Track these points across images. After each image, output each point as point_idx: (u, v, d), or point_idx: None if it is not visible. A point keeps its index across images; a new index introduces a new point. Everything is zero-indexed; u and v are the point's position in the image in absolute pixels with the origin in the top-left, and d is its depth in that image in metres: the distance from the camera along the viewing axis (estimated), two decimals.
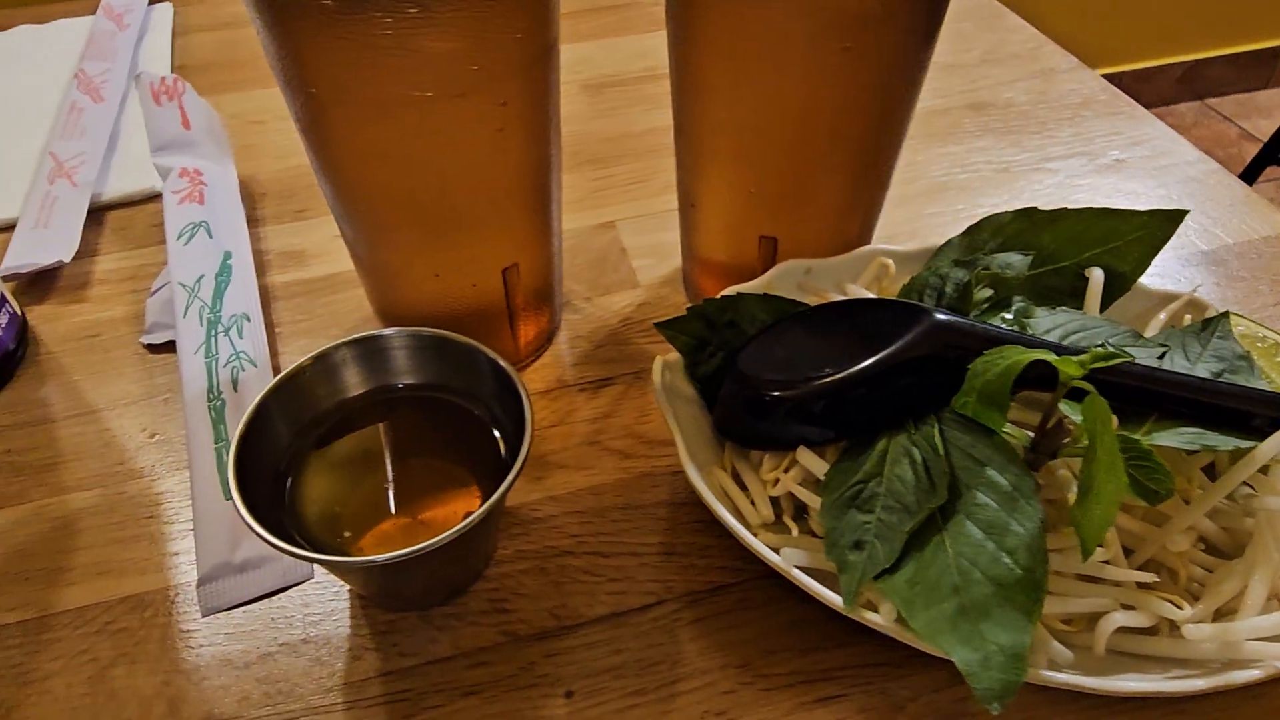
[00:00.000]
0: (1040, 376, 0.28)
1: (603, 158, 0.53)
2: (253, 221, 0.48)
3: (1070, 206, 0.35)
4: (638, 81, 0.60)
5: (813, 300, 0.35)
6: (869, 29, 0.30)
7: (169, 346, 0.41)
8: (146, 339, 0.42)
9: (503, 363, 0.30)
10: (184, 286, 0.42)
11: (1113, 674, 0.26)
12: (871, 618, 0.26)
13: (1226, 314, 0.33)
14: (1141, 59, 1.80)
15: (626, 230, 0.48)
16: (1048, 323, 0.32)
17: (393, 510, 0.31)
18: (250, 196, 0.50)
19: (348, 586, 0.33)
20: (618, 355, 0.41)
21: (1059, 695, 0.28)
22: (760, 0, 0.29)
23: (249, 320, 0.41)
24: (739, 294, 0.34)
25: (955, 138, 0.53)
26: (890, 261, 0.36)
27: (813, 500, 0.29)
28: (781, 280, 0.36)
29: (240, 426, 0.29)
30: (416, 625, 0.31)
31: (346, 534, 0.30)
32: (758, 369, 0.31)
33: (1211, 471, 0.30)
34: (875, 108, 0.33)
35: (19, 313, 0.42)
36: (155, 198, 0.50)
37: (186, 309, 0.41)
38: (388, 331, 0.31)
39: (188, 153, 0.48)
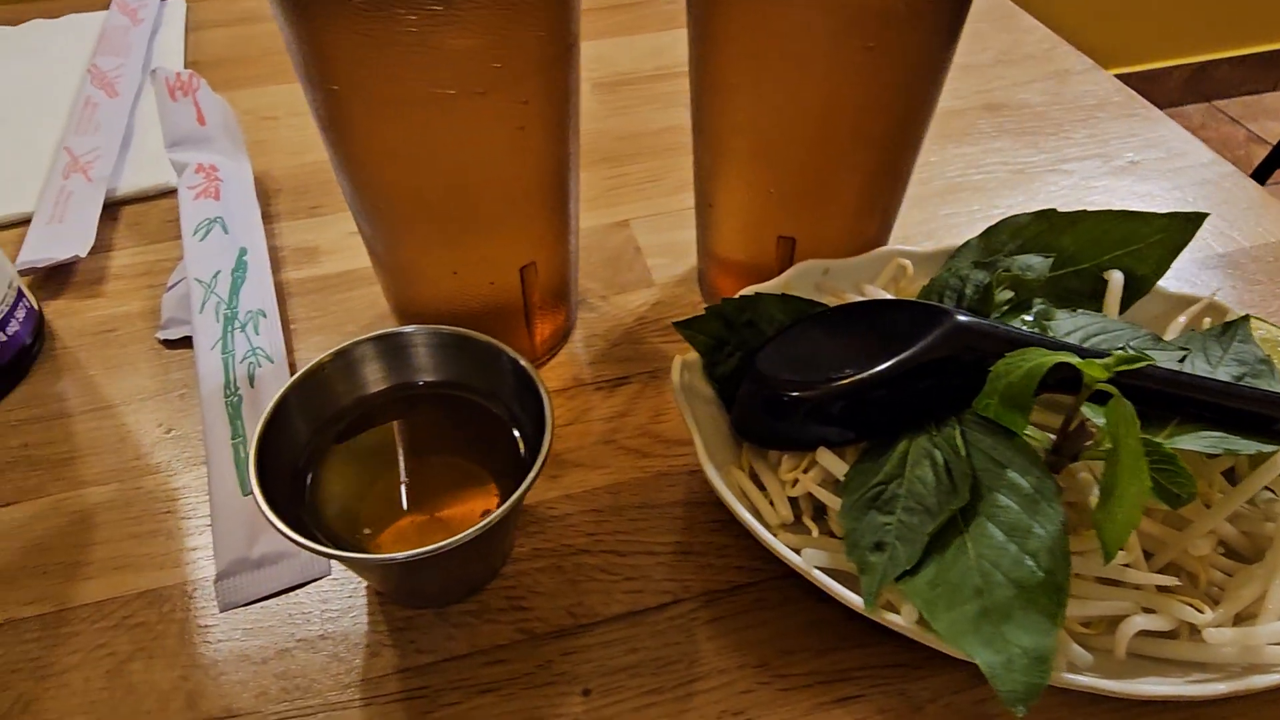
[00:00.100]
0: (1061, 379, 0.28)
1: (616, 156, 0.53)
2: (267, 218, 0.48)
3: (1087, 209, 0.35)
4: (651, 80, 0.60)
5: (830, 301, 0.35)
6: (893, 28, 0.29)
7: (185, 342, 0.41)
8: (162, 334, 0.42)
9: (523, 362, 0.30)
10: (200, 282, 0.42)
11: (1132, 677, 0.26)
12: (892, 619, 0.26)
13: (1246, 317, 0.33)
14: (1149, 60, 1.79)
15: (641, 229, 0.48)
16: (1068, 325, 0.32)
17: (411, 508, 0.31)
18: (264, 193, 0.50)
19: (365, 583, 0.33)
20: (633, 354, 0.41)
21: (1077, 698, 0.28)
22: None
23: (265, 316, 0.41)
24: (757, 294, 0.34)
25: (971, 138, 0.53)
26: (908, 263, 0.36)
27: (832, 501, 0.29)
28: (799, 280, 0.36)
29: (261, 421, 0.29)
30: (433, 622, 0.31)
31: (366, 531, 0.30)
32: (777, 369, 0.31)
33: (1231, 476, 0.30)
34: (897, 107, 0.33)
35: (35, 307, 0.42)
36: (170, 193, 0.50)
37: (203, 305, 0.41)
38: (408, 329, 0.31)
39: (203, 148, 0.48)
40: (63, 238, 0.46)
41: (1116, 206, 0.35)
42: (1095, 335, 0.31)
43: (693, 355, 0.34)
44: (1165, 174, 0.51)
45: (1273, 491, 0.29)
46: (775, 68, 0.31)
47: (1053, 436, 0.29)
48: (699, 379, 0.34)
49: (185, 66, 0.61)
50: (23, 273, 0.44)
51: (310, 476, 0.30)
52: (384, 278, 0.38)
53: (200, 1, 0.69)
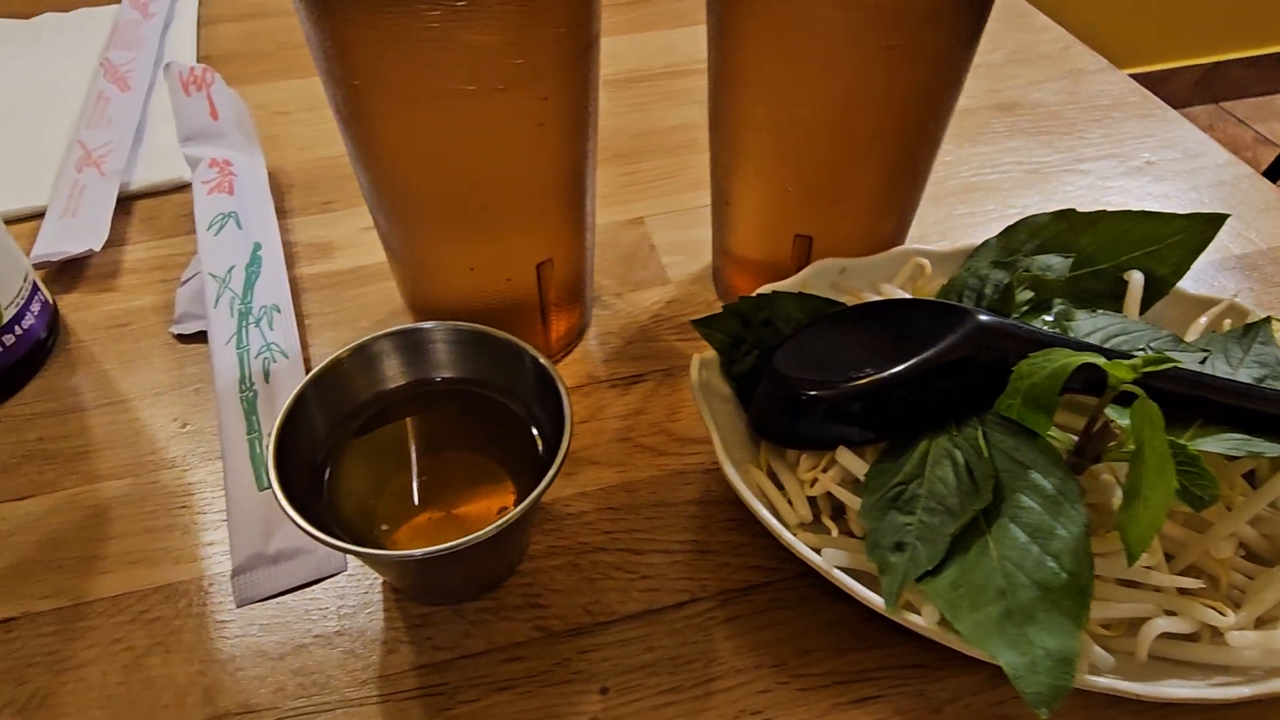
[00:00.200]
0: (1084, 380, 0.28)
1: (629, 153, 0.53)
2: (280, 213, 0.48)
3: (1105, 209, 0.35)
4: (663, 77, 0.60)
5: (847, 300, 0.35)
6: (915, 26, 0.29)
7: (199, 336, 0.41)
8: (176, 329, 0.42)
9: (543, 360, 0.30)
10: (214, 277, 0.42)
11: (1152, 679, 0.26)
12: (914, 620, 0.26)
13: (1268, 319, 0.32)
14: (1159, 61, 1.79)
15: (655, 226, 0.48)
16: (1088, 325, 0.32)
17: (428, 504, 0.31)
18: (277, 188, 0.50)
19: (381, 579, 0.33)
20: (648, 352, 0.41)
21: (1096, 700, 0.28)
22: None
23: (279, 312, 0.41)
24: (774, 292, 0.34)
25: (985, 138, 0.53)
26: (926, 262, 0.36)
27: (852, 501, 0.29)
28: (816, 279, 0.36)
29: (280, 416, 0.29)
30: (450, 619, 0.31)
31: (384, 527, 0.30)
32: (795, 368, 0.31)
33: (1252, 478, 0.30)
34: (917, 106, 0.32)
35: (50, 300, 0.42)
36: (183, 188, 0.50)
37: (217, 299, 0.41)
38: (427, 325, 0.31)
39: (216, 143, 0.48)
40: (76, 231, 0.46)
41: (1133, 207, 0.35)
42: (1116, 336, 0.31)
43: (710, 353, 0.34)
44: (1181, 175, 0.50)
45: None
46: (796, 65, 0.31)
47: (1073, 437, 0.29)
48: (716, 377, 0.34)
49: (197, 61, 0.61)
50: (37, 266, 0.44)
51: (328, 471, 0.30)
52: (400, 273, 0.38)
53: None
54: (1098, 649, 0.26)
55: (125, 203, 0.49)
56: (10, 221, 0.47)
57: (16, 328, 0.38)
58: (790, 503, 0.31)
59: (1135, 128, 0.54)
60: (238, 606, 0.32)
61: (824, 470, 0.31)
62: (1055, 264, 0.33)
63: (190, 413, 0.39)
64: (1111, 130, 0.54)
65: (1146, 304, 0.34)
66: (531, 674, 0.30)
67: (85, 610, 0.32)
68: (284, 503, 0.26)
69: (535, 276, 0.36)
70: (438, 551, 0.26)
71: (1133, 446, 0.26)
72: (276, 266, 0.43)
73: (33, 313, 0.39)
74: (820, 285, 0.36)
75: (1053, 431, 0.28)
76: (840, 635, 0.31)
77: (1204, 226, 0.34)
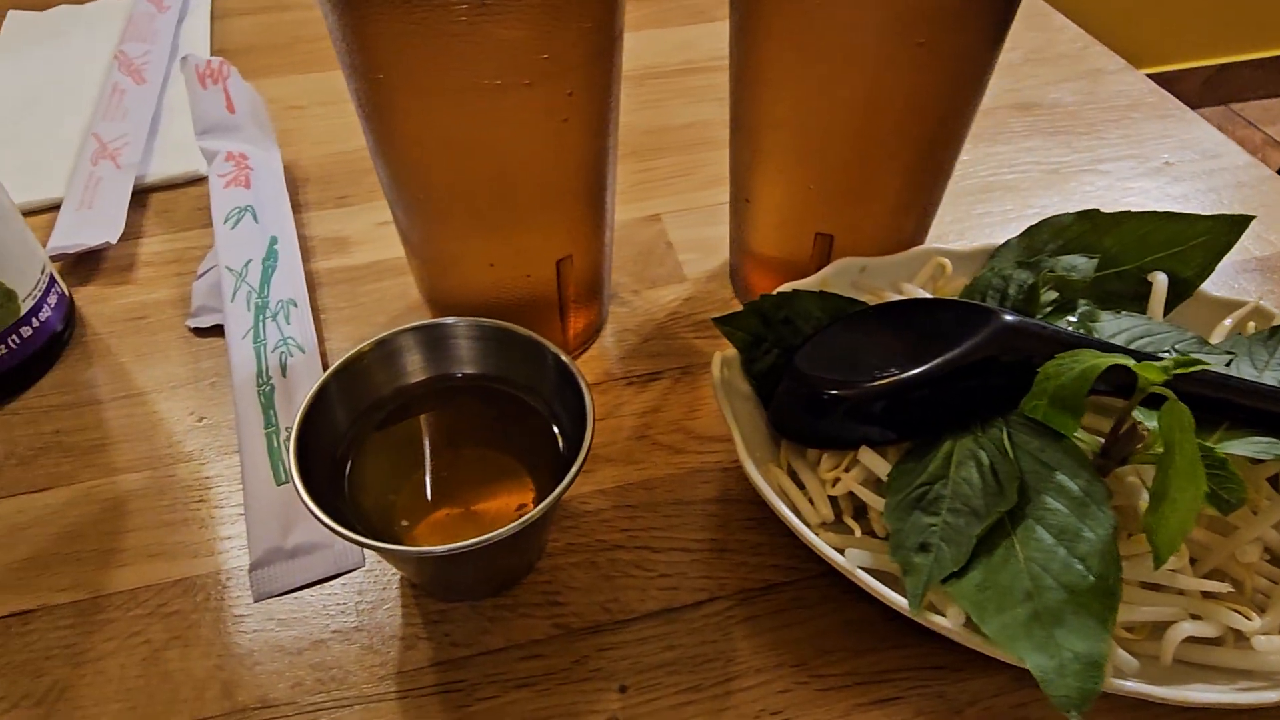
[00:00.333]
0: (1111, 382, 0.27)
1: (644, 150, 0.53)
2: (295, 207, 0.48)
3: (1127, 210, 0.35)
4: (678, 74, 0.60)
5: (867, 299, 0.34)
6: (943, 24, 0.29)
7: (215, 330, 0.41)
8: (193, 322, 0.42)
9: (565, 357, 0.30)
10: (231, 271, 0.41)
11: (1176, 683, 0.26)
12: (939, 621, 0.26)
13: None
14: (1167, 62, 1.78)
15: (672, 223, 0.47)
16: (1113, 327, 0.31)
17: (448, 500, 0.31)
18: (291, 182, 0.50)
19: (399, 575, 0.32)
20: (665, 350, 0.41)
21: (1119, 703, 0.28)
22: None
23: (296, 306, 0.41)
24: (794, 291, 0.34)
25: (1003, 138, 0.53)
26: (947, 261, 0.36)
27: (875, 501, 0.29)
28: (837, 278, 0.36)
29: (301, 409, 0.28)
30: (468, 615, 0.31)
31: (404, 523, 0.30)
32: (818, 367, 0.31)
33: (1277, 482, 0.30)
34: (942, 105, 0.32)
35: (66, 293, 0.42)
36: (198, 181, 0.50)
37: (234, 293, 0.41)
38: (449, 320, 0.31)
39: (232, 136, 0.48)
40: (92, 224, 0.46)
41: (1152, 208, 0.35)
42: (1141, 338, 0.31)
43: (732, 351, 0.33)
44: (1200, 176, 0.50)
45: None
46: (821, 63, 0.31)
47: (1099, 439, 0.28)
48: (737, 375, 0.33)
49: (212, 54, 0.61)
50: (53, 258, 0.44)
51: (349, 466, 0.30)
52: (418, 269, 0.38)
53: None
54: (1122, 652, 0.26)
55: (140, 196, 0.49)
56: (26, 214, 0.47)
57: (34, 320, 0.38)
58: (811, 502, 0.31)
59: (1154, 128, 0.54)
60: (255, 601, 0.32)
61: (846, 470, 0.30)
62: (1080, 264, 0.33)
63: (206, 407, 0.39)
64: (1130, 131, 0.53)
65: (1170, 305, 0.34)
66: (550, 671, 0.30)
67: (103, 603, 0.32)
68: (305, 497, 0.26)
69: (555, 273, 0.36)
70: (459, 549, 0.26)
71: (1160, 449, 0.25)
72: (293, 261, 0.43)
73: (50, 305, 0.39)
74: (841, 284, 0.36)
75: (1078, 433, 0.28)
76: (860, 636, 0.31)
77: (1229, 228, 0.34)
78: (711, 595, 0.32)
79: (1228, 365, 0.31)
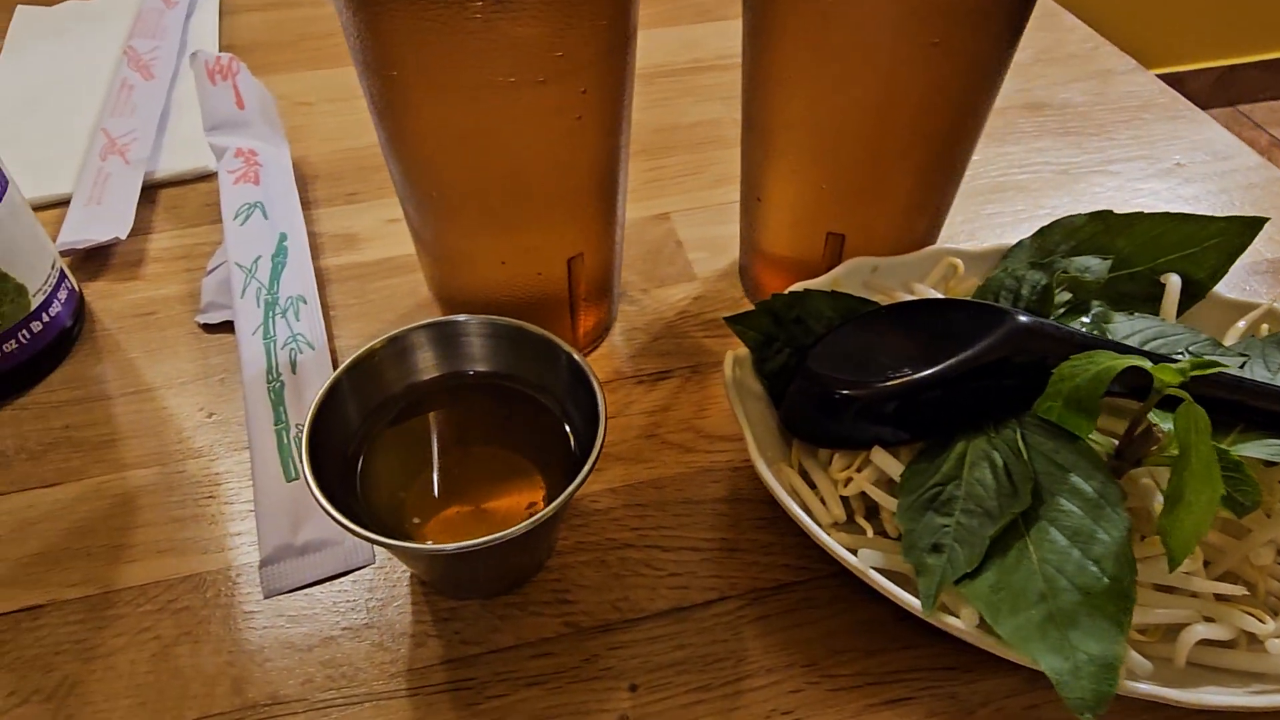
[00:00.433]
0: (1127, 383, 0.27)
1: (653, 148, 0.53)
2: (304, 204, 0.48)
3: (1140, 211, 0.35)
4: (686, 72, 0.60)
5: (879, 299, 0.34)
6: (959, 24, 0.29)
7: (224, 326, 0.41)
8: (202, 318, 0.42)
9: (578, 356, 0.29)
10: (241, 267, 0.41)
11: (1189, 686, 0.26)
12: (952, 622, 0.26)
13: None
14: (1175, 63, 1.78)
15: (681, 222, 0.47)
16: (1126, 328, 0.31)
17: (458, 498, 0.31)
18: (300, 178, 0.50)
19: (409, 572, 0.32)
20: (674, 349, 0.41)
21: (1132, 705, 0.28)
22: None
23: (305, 303, 0.41)
24: (806, 290, 0.34)
25: (1013, 138, 0.53)
26: (959, 262, 0.36)
27: (887, 501, 0.29)
28: (848, 278, 0.36)
29: (314, 405, 0.28)
30: (478, 613, 0.31)
31: (415, 520, 0.30)
32: (830, 367, 0.31)
33: None
34: (957, 105, 0.32)
35: (76, 288, 0.42)
36: (207, 177, 0.50)
37: (244, 289, 0.40)
38: (462, 318, 0.31)
39: (242, 133, 0.48)
40: (102, 219, 0.46)
41: (1163, 209, 0.35)
42: (1154, 339, 0.31)
43: (743, 350, 0.33)
44: (1211, 177, 0.50)
45: None
46: (835, 62, 0.31)
47: (1112, 440, 0.28)
48: (749, 375, 0.33)
49: (220, 50, 0.61)
50: (62, 253, 0.44)
51: (360, 462, 0.30)
52: (429, 266, 0.38)
53: None
54: (1136, 654, 0.26)
55: (149, 191, 0.49)
56: (35, 209, 0.47)
57: (44, 315, 0.38)
58: (823, 502, 0.31)
59: (1164, 129, 0.53)
60: (265, 597, 0.32)
61: (858, 470, 0.30)
62: (1094, 265, 0.33)
63: (216, 403, 0.39)
64: (1140, 132, 0.53)
65: (1183, 307, 0.34)
66: (560, 670, 0.30)
67: (113, 599, 0.32)
68: (317, 493, 0.26)
69: (566, 271, 0.35)
70: (470, 547, 0.26)
71: (1175, 451, 0.25)
72: (302, 257, 0.43)
73: (59, 300, 0.39)
74: (852, 284, 0.36)
75: (1091, 435, 0.28)
76: (871, 636, 0.31)
77: (1242, 229, 0.34)
78: (722, 594, 0.32)
79: (1241, 367, 0.31)
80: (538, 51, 0.28)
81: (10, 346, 0.37)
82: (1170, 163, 0.51)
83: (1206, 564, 0.28)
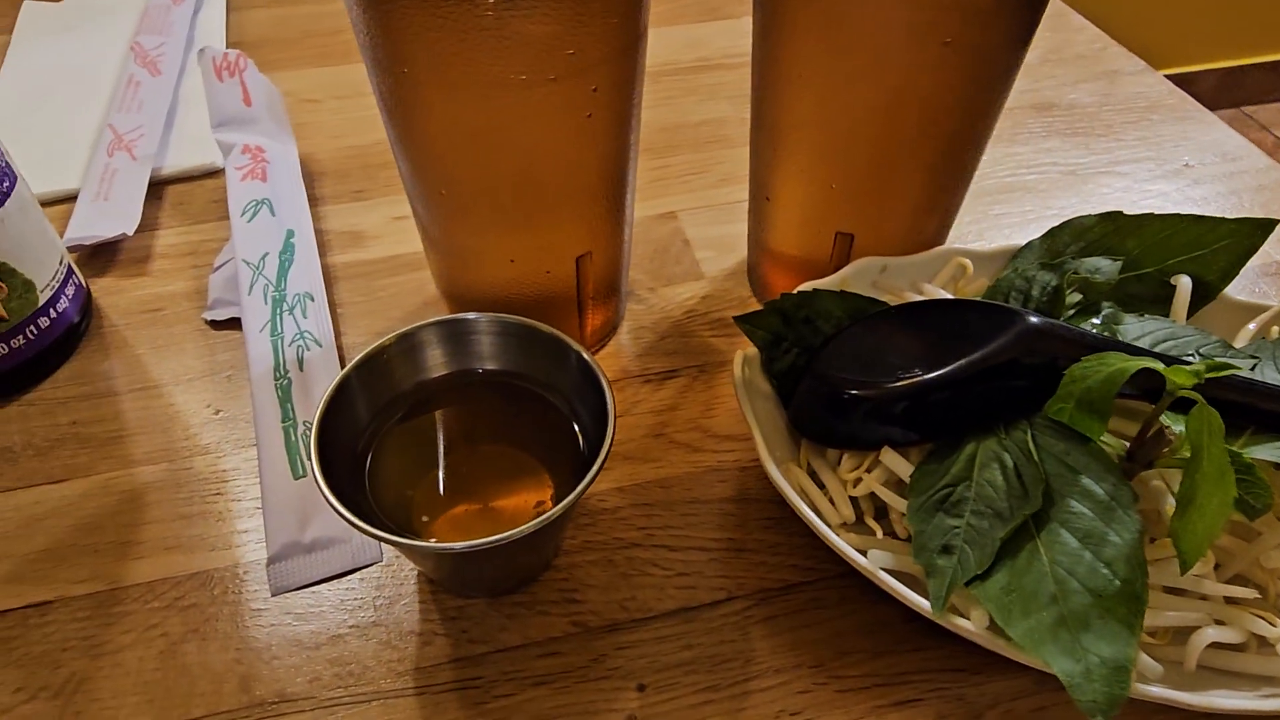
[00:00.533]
0: (1138, 385, 0.27)
1: (659, 147, 0.53)
2: (310, 201, 0.48)
3: (1150, 212, 0.35)
4: (691, 71, 0.60)
5: (887, 299, 0.34)
6: (971, 23, 0.29)
7: (230, 323, 0.41)
8: (209, 315, 0.42)
9: (587, 355, 0.29)
10: (248, 264, 0.41)
11: (1199, 689, 0.26)
12: (963, 624, 0.26)
13: None
14: (1179, 64, 1.77)
15: (688, 221, 0.47)
16: (1136, 330, 0.31)
17: (466, 496, 0.31)
18: (307, 176, 0.50)
19: (416, 570, 0.32)
20: (682, 348, 0.41)
21: (1141, 708, 0.28)
22: None
23: (313, 300, 0.40)
24: (815, 290, 0.34)
25: (1021, 138, 0.53)
26: (968, 262, 0.36)
27: (897, 502, 0.29)
28: (857, 278, 0.36)
29: (322, 402, 0.28)
30: (486, 612, 0.31)
31: (423, 518, 0.30)
32: (840, 367, 0.31)
33: None
34: (969, 105, 0.32)
35: (84, 284, 0.42)
36: (214, 173, 0.50)
37: (251, 286, 0.40)
38: (471, 316, 0.31)
39: (249, 129, 0.48)
40: (109, 215, 0.45)
41: (1172, 211, 0.35)
42: (1165, 341, 0.31)
43: (753, 350, 0.33)
44: (1220, 178, 0.50)
45: None
46: (846, 61, 0.31)
47: (1124, 442, 0.28)
48: (757, 374, 0.33)
49: (228, 46, 0.61)
50: (69, 249, 0.44)
51: (369, 460, 0.30)
52: (437, 263, 0.38)
53: None
54: (1146, 657, 0.26)
55: (156, 188, 0.49)
56: (43, 204, 0.47)
57: (51, 310, 0.38)
58: (832, 502, 0.31)
59: (1172, 130, 0.53)
60: (273, 595, 0.32)
61: (867, 470, 0.30)
62: (1104, 266, 0.33)
63: (223, 399, 0.38)
64: (1148, 133, 0.53)
65: (1193, 309, 0.34)
66: (568, 669, 0.30)
67: (120, 595, 0.32)
68: (325, 490, 0.26)
69: (574, 269, 0.35)
70: (478, 546, 0.26)
71: (1187, 453, 0.25)
72: (309, 254, 0.43)
73: (67, 296, 0.39)
74: (861, 284, 0.36)
75: (1103, 436, 0.28)
76: (880, 637, 0.31)
77: (1253, 231, 0.34)
78: (729, 595, 0.32)
79: (1252, 370, 0.30)
80: (549, 49, 0.28)
81: (18, 342, 0.37)
82: (1179, 164, 0.51)
83: (1217, 567, 0.28)
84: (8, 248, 0.36)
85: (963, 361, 0.29)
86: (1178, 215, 0.34)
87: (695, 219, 0.47)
